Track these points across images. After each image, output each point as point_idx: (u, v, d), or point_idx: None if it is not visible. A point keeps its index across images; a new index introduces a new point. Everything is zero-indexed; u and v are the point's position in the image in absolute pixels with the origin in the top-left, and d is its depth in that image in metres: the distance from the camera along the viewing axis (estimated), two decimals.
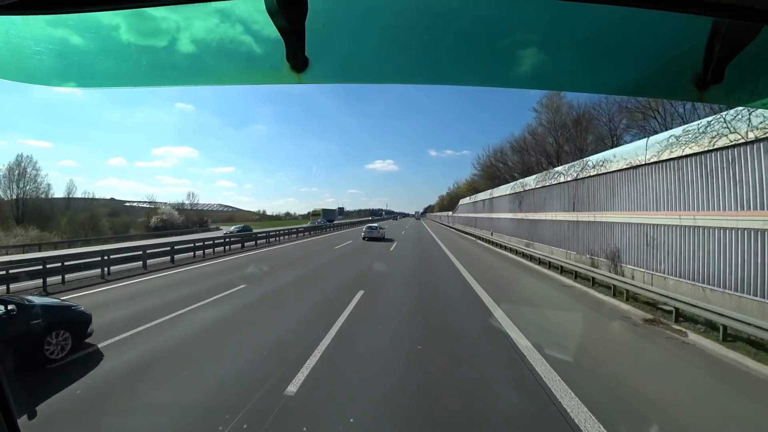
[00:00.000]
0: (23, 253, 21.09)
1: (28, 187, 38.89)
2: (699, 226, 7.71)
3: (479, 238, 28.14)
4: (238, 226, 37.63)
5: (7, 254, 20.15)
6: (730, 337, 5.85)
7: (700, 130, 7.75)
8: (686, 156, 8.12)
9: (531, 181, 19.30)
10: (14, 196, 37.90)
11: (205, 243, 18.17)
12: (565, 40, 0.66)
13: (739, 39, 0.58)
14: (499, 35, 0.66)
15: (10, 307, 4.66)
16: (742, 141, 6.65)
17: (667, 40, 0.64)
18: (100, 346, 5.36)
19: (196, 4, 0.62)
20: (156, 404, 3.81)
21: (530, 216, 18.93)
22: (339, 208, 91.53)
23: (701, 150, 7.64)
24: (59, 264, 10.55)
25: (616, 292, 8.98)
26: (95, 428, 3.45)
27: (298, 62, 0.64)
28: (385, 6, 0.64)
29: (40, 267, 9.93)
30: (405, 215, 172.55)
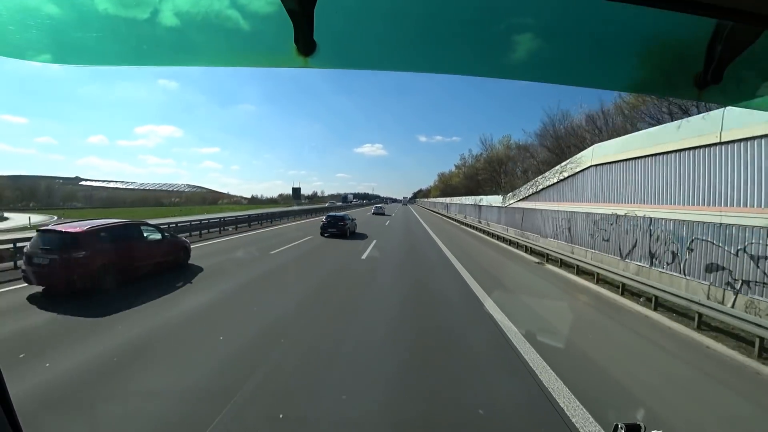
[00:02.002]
0: None
1: None
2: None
3: None
4: None
5: None
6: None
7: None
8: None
9: None
10: None
11: None
12: (569, 34, 0.66)
13: (740, 41, 0.60)
14: (506, 26, 0.65)
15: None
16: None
17: (671, 39, 0.65)
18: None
19: None
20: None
21: None
22: (295, 189, 66.93)
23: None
24: None
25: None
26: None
27: (306, 46, 0.62)
28: None
29: None
30: (393, 200, 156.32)
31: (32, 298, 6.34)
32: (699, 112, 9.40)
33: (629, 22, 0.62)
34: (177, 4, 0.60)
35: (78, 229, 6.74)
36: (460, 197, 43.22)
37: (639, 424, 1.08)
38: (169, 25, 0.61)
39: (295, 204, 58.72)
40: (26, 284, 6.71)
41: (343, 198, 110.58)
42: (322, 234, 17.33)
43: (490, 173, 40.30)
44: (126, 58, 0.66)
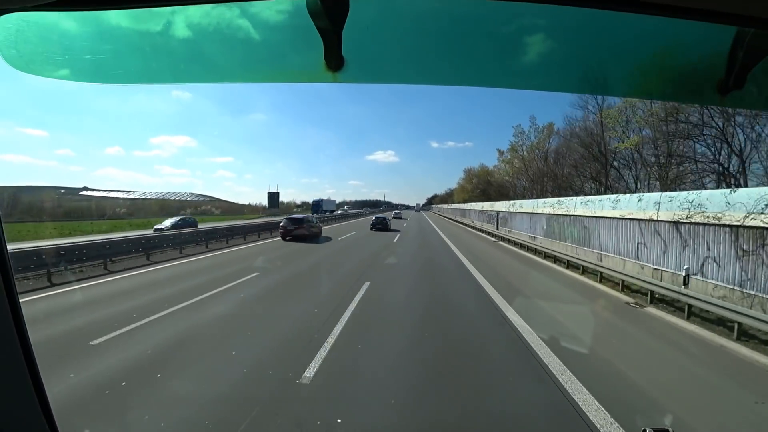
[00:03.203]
0: None
1: None
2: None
3: None
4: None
5: None
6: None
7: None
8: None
9: None
10: None
11: None
12: (593, 45, 0.69)
13: (762, 47, 0.61)
14: (527, 38, 0.68)
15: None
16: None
17: (692, 47, 0.67)
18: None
19: (234, 3, 0.63)
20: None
21: None
22: (271, 194, 56.33)
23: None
24: None
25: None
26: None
27: (334, 62, 0.66)
28: (422, 8, 0.67)
29: None
30: (406, 207, 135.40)
31: (284, 240, 18.65)
32: None
33: (651, 32, 0.64)
34: (210, 26, 0.64)
35: (301, 216, 19.62)
36: (520, 200, 24.27)
37: (667, 429, 1.08)
38: (202, 43, 0.66)
39: (263, 215, 46.74)
40: (280, 237, 19.01)
41: (314, 205, 60.86)
42: (371, 229, 27.02)
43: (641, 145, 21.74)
44: (148, 76, 0.70)
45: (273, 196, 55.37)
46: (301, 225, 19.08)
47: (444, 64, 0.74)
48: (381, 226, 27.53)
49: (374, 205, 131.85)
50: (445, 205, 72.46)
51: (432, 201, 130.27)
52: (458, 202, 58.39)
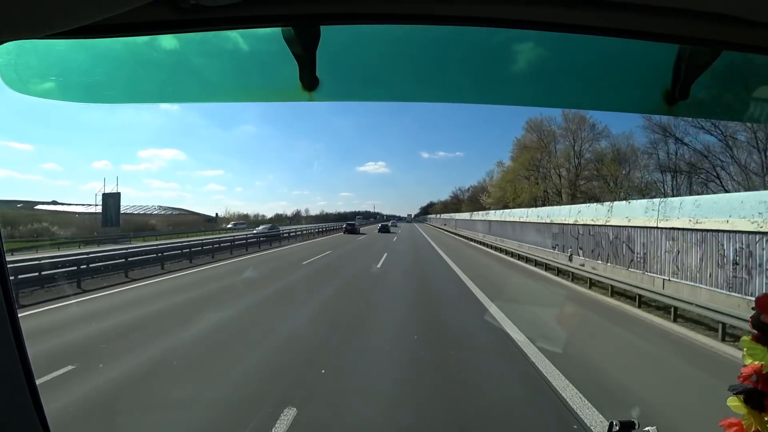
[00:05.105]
0: None
1: None
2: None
3: None
4: None
5: None
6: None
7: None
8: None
9: None
10: None
11: None
12: (551, 65, 0.77)
13: (701, 62, 0.68)
14: (495, 58, 0.75)
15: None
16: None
17: (641, 63, 0.75)
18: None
19: (216, 32, 0.67)
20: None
21: None
22: (109, 195, 34.11)
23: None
24: None
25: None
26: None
27: (309, 83, 0.71)
28: (386, 33, 0.73)
29: None
30: (399, 218, 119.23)
31: (343, 234, 36.06)
32: None
33: (605, 52, 0.71)
34: (192, 49, 0.69)
35: (354, 222, 38.46)
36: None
37: (633, 421, 1.11)
38: (187, 66, 0.71)
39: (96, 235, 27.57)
40: (343, 233, 38.43)
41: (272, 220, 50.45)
42: (378, 232, 40.33)
43: None
44: (138, 96, 0.75)
45: (108, 201, 30.74)
46: (354, 227, 38.44)
47: (414, 82, 0.81)
48: (385, 230, 42.22)
49: (353, 217, 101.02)
50: (461, 215, 46.28)
51: (428, 210, 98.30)
52: (498, 207, 31.92)
